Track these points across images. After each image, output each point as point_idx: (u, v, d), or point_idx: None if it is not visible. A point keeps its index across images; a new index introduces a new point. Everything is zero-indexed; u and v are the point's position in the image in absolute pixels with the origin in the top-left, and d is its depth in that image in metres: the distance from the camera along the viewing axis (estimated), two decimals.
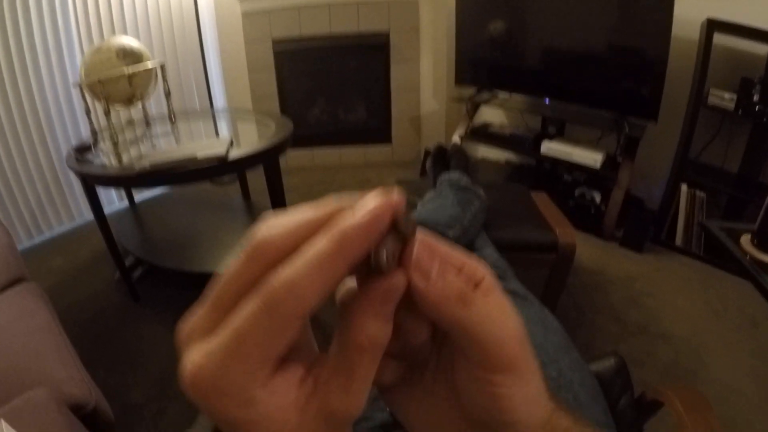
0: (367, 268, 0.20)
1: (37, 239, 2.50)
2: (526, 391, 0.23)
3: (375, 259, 0.19)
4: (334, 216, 0.20)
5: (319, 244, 0.18)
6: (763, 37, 1.87)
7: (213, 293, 0.20)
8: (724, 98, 1.98)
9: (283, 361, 0.21)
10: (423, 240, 0.21)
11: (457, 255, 0.22)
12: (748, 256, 1.10)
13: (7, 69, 2.22)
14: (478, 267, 0.22)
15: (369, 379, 0.21)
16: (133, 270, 2.04)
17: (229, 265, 0.20)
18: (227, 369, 0.19)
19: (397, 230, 0.20)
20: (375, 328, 0.20)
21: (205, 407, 0.19)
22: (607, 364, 1.02)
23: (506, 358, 0.22)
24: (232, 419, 0.19)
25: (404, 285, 0.20)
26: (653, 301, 1.89)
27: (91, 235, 2.40)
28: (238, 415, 0.19)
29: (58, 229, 2.59)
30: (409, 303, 0.21)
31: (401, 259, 0.21)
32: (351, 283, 0.23)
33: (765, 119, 1.91)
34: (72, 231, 2.61)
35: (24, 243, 2.41)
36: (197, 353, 0.19)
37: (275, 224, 0.20)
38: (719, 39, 1.95)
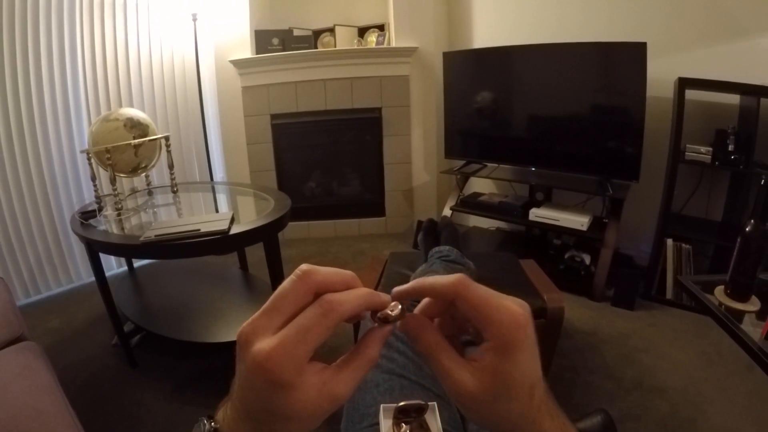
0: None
1: (34, 298, 2.52)
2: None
3: (380, 315, 0.36)
4: (349, 281, 0.34)
5: (361, 291, 0.34)
6: (731, 88, 2.00)
7: (271, 302, 0.32)
8: (700, 152, 2.08)
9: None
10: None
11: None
12: (723, 307, 1.14)
13: (17, 131, 2.35)
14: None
15: (361, 379, 0.33)
16: (131, 336, 2.05)
17: (282, 284, 0.32)
18: (294, 349, 0.30)
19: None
20: (378, 349, 0.35)
21: (266, 380, 0.29)
22: (594, 421, 1.04)
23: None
24: (285, 386, 0.29)
25: (390, 332, 0.36)
26: (647, 356, 1.89)
27: (88, 298, 2.43)
28: (293, 381, 0.30)
29: (55, 290, 2.62)
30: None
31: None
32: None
33: (741, 167, 1.99)
34: (69, 292, 2.63)
35: (21, 300, 2.43)
36: (269, 341, 0.30)
37: (313, 267, 0.33)
38: (691, 94, 2.07)
